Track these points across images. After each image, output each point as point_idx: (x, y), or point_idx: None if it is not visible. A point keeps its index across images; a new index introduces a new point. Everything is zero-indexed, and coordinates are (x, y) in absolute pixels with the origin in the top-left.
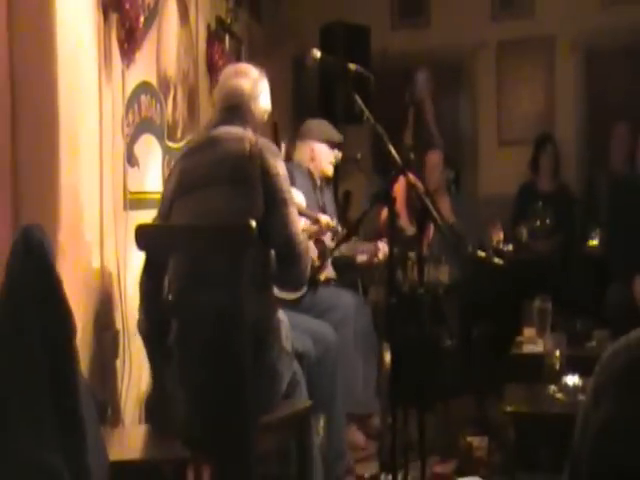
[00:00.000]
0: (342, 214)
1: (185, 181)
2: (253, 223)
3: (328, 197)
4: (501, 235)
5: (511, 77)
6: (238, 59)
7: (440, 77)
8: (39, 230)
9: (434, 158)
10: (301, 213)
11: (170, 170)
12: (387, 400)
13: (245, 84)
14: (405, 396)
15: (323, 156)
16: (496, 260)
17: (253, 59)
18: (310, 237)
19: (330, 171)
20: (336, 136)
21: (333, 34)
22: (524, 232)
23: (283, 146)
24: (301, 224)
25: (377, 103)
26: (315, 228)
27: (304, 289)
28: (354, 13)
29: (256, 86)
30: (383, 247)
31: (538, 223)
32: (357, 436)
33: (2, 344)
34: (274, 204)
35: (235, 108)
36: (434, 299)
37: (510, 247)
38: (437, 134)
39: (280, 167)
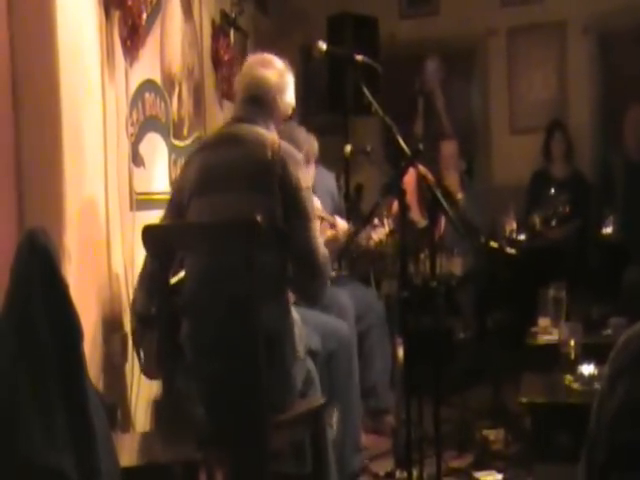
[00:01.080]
0: (354, 208)
1: (203, 179)
2: (259, 218)
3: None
4: (514, 224)
5: (522, 64)
6: (244, 52)
7: (450, 65)
8: (43, 233)
9: (449, 147)
10: (319, 217)
11: (185, 162)
12: (401, 394)
13: (271, 75)
14: (420, 390)
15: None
16: (509, 250)
17: (260, 51)
18: (327, 243)
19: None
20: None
21: (341, 24)
22: (537, 220)
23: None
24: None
25: (387, 93)
26: (332, 234)
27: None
28: (362, 2)
29: (282, 78)
30: (376, 230)
31: (551, 210)
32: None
33: (8, 350)
34: (295, 217)
35: (259, 100)
36: (447, 291)
37: (523, 236)
38: (448, 124)
39: (302, 178)
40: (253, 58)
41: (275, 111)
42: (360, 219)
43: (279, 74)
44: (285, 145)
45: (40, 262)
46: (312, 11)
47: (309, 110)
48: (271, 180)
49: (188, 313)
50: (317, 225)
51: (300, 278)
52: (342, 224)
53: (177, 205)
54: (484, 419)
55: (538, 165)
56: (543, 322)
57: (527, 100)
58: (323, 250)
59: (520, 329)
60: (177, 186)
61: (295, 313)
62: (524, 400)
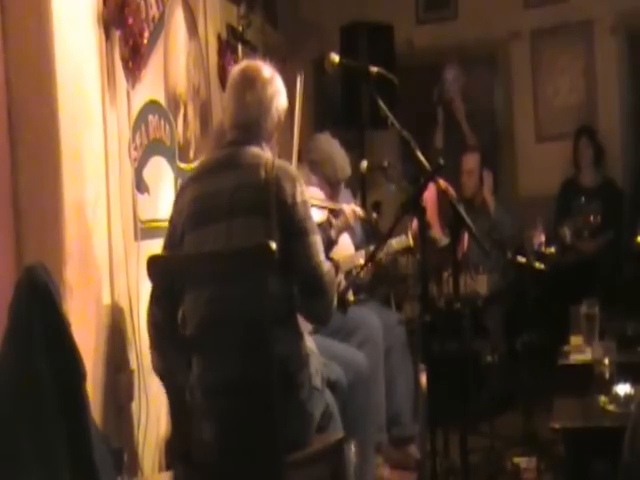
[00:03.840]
0: (372, 226)
1: (197, 211)
2: (273, 245)
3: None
4: (543, 237)
5: (548, 67)
6: None
7: (471, 72)
8: (43, 269)
9: (471, 162)
10: (322, 206)
11: (178, 192)
12: (425, 424)
13: (253, 100)
14: (445, 418)
15: (320, 194)
16: (538, 265)
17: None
18: (340, 231)
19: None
20: (339, 173)
21: (355, 34)
22: (567, 232)
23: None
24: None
25: (404, 104)
26: (342, 221)
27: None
28: (376, 9)
29: (265, 98)
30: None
31: (582, 221)
32: (383, 470)
33: (6, 397)
34: (294, 235)
35: (246, 127)
36: (473, 312)
37: (553, 250)
38: (470, 134)
39: (298, 193)
40: (235, 74)
41: (264, 132)
42: (378, 238)
43: (261, 94)
44: (279, 162)
45: (40, 300)
46: (324, 22)
47: (323, 125)
48: (267, 202)
49: (196, 350)
50: (318, 239)
51: (304, 298)
52: (348, 207)
53: (174, 247)
54: (515, 447)
55: (567, 174)
56: (575, 340)
57: (553, 106)
58: (327, 267)
59: (551, 350)
60: (171, 221)
61: (311, 343)
62: (556, 425)
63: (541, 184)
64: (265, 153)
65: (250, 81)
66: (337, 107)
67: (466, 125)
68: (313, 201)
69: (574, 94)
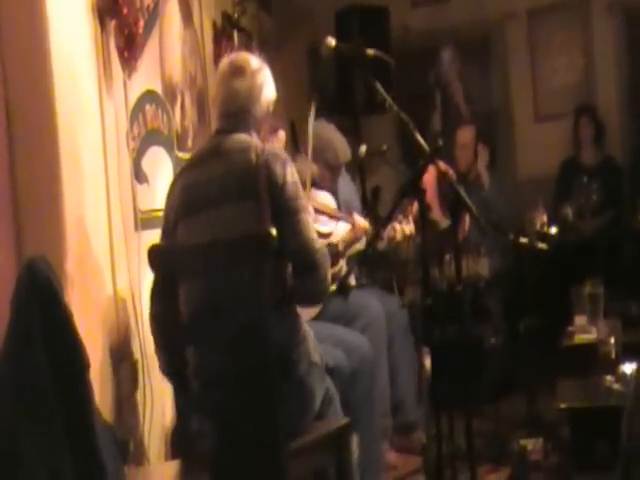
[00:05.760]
0: (371, 211)
1: (188, 200)
2: (273, 231)
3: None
4: (544, 217)
5: (545, 47)
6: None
7: (468, 54)
8: (44, 262)
9: (466, 135)
10: (334, 216)
11: (171, 183)
12: (430, 408)
13: (242, 86)
14: (450, 402)
15: (322, 180)
16: (540, 245)
17: (264, 53)
18: (347, 246)
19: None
20: (341, 157)
21: (349, 18)
22: (569, 211)
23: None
24: (338, 230)
25: (401, 87)
26: (351, 235)
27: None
28: None
29: (254, 85)
30: (398, 227)
31: (583, 200)
32: (388, 455)
33: (10, 387)
34: (283, 215)
35: (235, 115)
36: (475, 294)
37: (555, 230)
38: (467, 116)
39: (288, 174)
40: (224, 64)
41: (252, 120)
42: (379, 222)
43: (250, 81)
44: (269, 147)
45: (41, 292)
46: (318, 8)
47: (317, 112)
48: (257, 185)
49: (193, 340)
50: (309, 219)
51: (298, 275)
52: (360, 221)
53: (168, 237)
54: (519, 430)
55: (566, 153)
56: (580, 320)
57: (551, 85)
58: (320, 244)
59: (554, 331)
60: (165, 212)
61: (308, 328)
62: (562, 405)
63: (540, 164)
64: (254, 140)
65: (240, 69)
66: (332, 93)
67: (464, 107)
68: (327, 210)
69: (572, 73)
